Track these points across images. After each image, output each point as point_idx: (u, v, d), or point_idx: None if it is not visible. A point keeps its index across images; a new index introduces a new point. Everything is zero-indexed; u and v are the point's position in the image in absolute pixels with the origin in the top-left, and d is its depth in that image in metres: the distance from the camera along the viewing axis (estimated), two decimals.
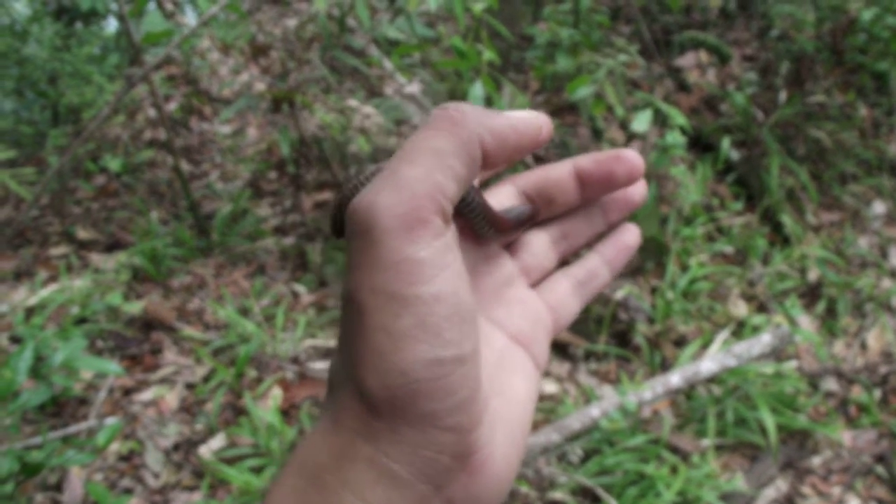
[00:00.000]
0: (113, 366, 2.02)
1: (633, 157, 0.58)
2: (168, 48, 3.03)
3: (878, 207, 4.02)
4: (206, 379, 3.11)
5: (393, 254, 0.44)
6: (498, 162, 0.51)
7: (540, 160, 3.96)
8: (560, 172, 0.60)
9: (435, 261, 0.45)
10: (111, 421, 2.73)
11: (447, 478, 0.46)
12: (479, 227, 0.55)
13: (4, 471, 1.27)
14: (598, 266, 0.62)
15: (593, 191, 0.60)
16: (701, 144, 4.16)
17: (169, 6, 3.58)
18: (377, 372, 0.44)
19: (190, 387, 3.11)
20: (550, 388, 3.08)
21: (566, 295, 0.61)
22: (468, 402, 0.46)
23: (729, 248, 3.69)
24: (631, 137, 3.74)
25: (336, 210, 0.53)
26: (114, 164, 4.18)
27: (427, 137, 0.47)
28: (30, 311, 3.31)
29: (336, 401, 0.48)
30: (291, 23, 3.33)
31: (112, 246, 3.82)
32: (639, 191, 0.61)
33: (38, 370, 1.99)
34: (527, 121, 0.53)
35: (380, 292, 0.44)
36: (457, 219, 0.51)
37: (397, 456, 0.45)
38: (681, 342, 3.28)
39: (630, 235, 0.63)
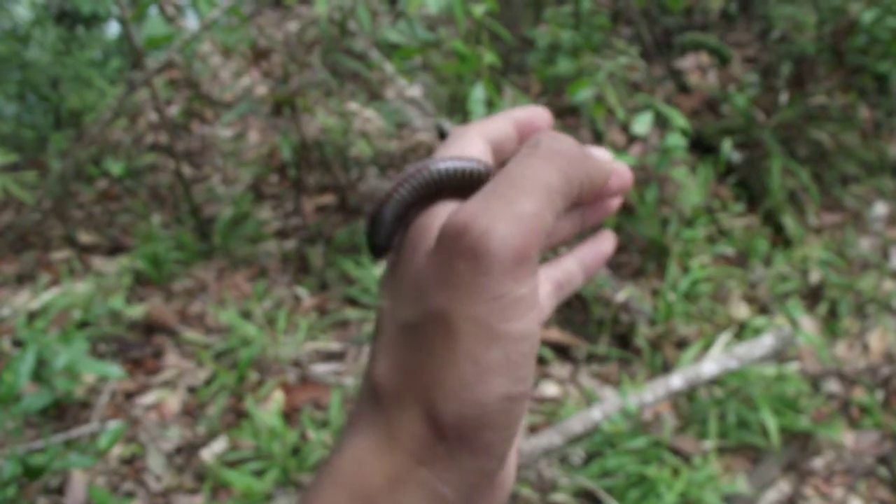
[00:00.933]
0: (114, 369, 2.02)
1: (625, 172, 0.59)
2: (169, 52, 3.04)
3: (880, 208, 4.02)
4: (208, 382, 3.12)
5: (499, 287, 0.43)
6: (577, 202, 0.52)
7: None
8: None
9: (529, 299, 0.45)
10: (113, 424, 2.74)
11: (481, 497, 0.47)
12: None
13: (7, 474, 1.27)
14: (575, 271, 0.62)
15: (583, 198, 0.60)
16: (702, 146, 4.16)
17: (170, 10, 3.59)
18: (457, 400, 0.44)
19: (192, 390, 3.11)
20: (552, 390, 3.08)
21: (546, 296, 0.60)
22: (516, 434, 0.47)
23: (730, 250, 3.69)
24: (632, 139, 3.74)
25: (372, 224, 0.51)
26: (116, 167, 4.19)
27: (540, 169, 0.46)
28: (32, 315, 3.32)
29: (390, 419, 0.46)
30: (293, 26, 3.34)
31: (114, 249, 3.82)
32: (617, 200, 0.62)
33: (40, 374, 1.99)
34: (608, 165, 0.54)
35: (476, 322, 0.44)
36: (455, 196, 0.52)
37: (449, 479, 0.45)
38: (682, 344, 3.28)
39: (607, 243, 0.64)
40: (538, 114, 0.58)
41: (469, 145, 0.54)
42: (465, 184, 0.51)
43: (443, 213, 0.50)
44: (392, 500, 0.45)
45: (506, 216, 0.44)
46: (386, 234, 0.50)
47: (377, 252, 0.51)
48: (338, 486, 0.46)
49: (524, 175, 0.46)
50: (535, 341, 0.45)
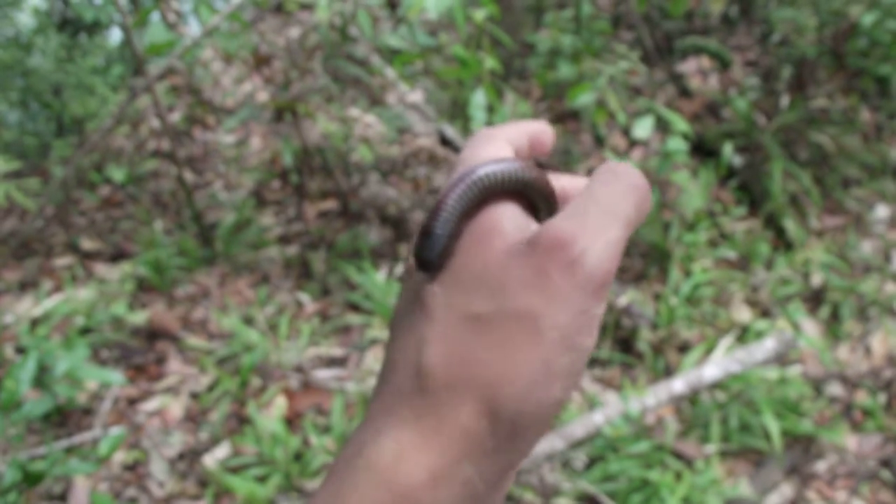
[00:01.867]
0: (115, 375, 2.02)
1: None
2: (170, 58, 3.04)
3: (882, 211, 4.02)
4: (211, 388, 3.12)
5: (586, 303, 0.46)
6: None
7: (542, 167, 3.96)
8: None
9: (600, 318, 0.47)
10: (116, 431, 2.74)
11: (500, 491, 0.48)
12: (545, 210, 0.56)
13: (8, 480, 1.28)
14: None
15: None
16: (703, 150, 4.16)
17: (172, 17, 3.60)
18: (521, 399, 0.45)
19: (194, 396, 3.12)
20: None
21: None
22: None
23: (732, 254, 3.69)
24: (633, 144, 3.75)
25: (424, 239, 0.50)
26: (118, 174, 4.19)
27: (624, 201, 0.49)
28: (35, 322, 3.32)
29: (441, 410, 0.46)
30: (294, 32, 3.35)
31: (116, 256, 3.83)
32: None
33: (42, 380, 2.00)
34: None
35: (560, 330, 0.45)
36: (518, 198, 0.53)
37: (487, 474, 0.46)
38: (684, 348, 3.28)
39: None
40: (545, 130, 0.59)
41: (500, 149, 0.55)
42: (515, 186, 0.52)
43: (502, 213, 0.51)
44: (434, 496, 0.44)
45: (600, 240, 0.46)
46: (439, 249, 0.49)
47: (429, 269, 0.50)
48: (376, 482, 0.45)
49: (612, 203, 0.48)
50: (588, 357, 0.48)
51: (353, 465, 0.46)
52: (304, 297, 3.53)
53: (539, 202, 0.54)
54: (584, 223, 0.47)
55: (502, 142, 0.56)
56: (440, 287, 0.49)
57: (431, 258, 0.49)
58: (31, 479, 1.24)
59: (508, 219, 0.50)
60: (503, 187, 0.51)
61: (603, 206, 0.48)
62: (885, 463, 2.94)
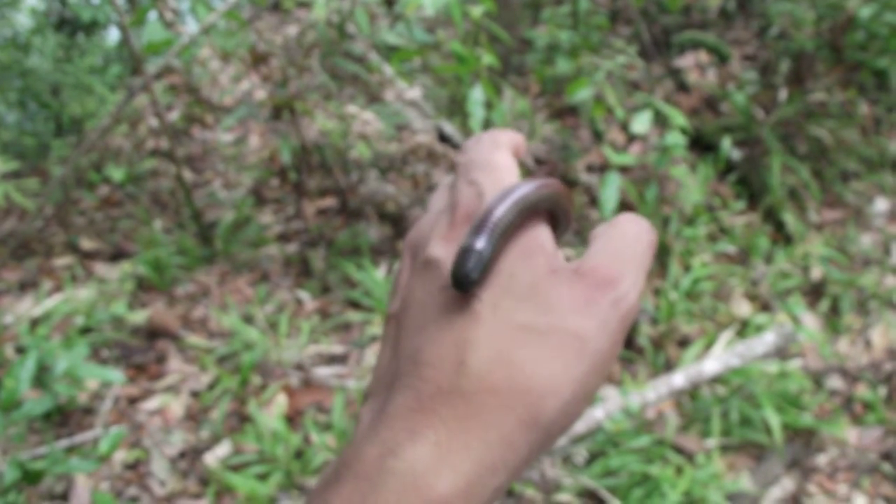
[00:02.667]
0: (114, 374, 2.03)
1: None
2: (167, 57, 3.04)
3: (881, 204, 4.02)
4: (211, 386, 3.12)
5: (622, 335, 0.50)
6: None
7: (541, 163, 3.97)
8: None
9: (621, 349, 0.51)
10: (116, 430, 2.74)
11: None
12: (563, 227, 0.59)
13: (7, 480, 1.28)
14: None
15: None
16: (701, 144, 4.16)
17: (169, 15, 3.59)
18: (562, 412, 0.47)
19: (195, 395, 3.12)
20: None
21: None
22: None
23: (731, 248, 3.69)
24: (631, 138, 3.75)
25: (467, 257, 0.49)
26: (117, 174, 4.19)
27: (648, 256, 0.53)
28: (35, 322, 3.33)
29: (483, 416, 0.46)
30: (291, 30, 3.35)
31: (116, 255, 3.83)
32: None
33: (42, 380, 2.00)
34: None
35: (602, 355, 0.48)
36: (545, 216, 0.55)
37: (513, 481, 0.47)
38: (684, 342, 3.28)
39: None
40: (523, 141, 0.61)
41: (507, 156, 0.58)
42: (551, 207, 0.55)
43: (544, 232, 0.54)
44: (467, 501, 0.44)
45: (637, 285, 0.51)
46: (482, 267, 0.49)
47: (467, 287, 0.49)
48: (411, 487, 0.43)
49: (642, 256, 0.53)
50: None
51: (387, 468, 0.44)
52: (304, 295, 3.53)
53: (561, 219, 0.57)
54: (625, 268, 0.51)
55: (507, 149, 0.58)
56: (486, 290, 0.49)
57: (473, 276, 0.49)
58: (30, 478, 1.24)
59: (548, 238, 0.53)
60: (544, 207, 0.54)
61: (638, 258, 0.52)
62: (886, 456, 2.95)
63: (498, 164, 0.56)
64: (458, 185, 0.56)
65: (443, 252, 0.52)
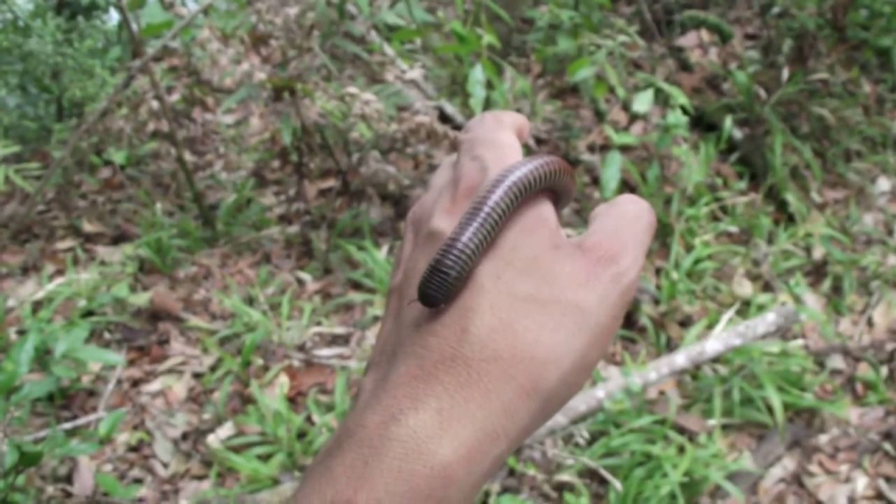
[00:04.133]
0: (114, 356, 2.03)
1: None
2: (165, 38, 3.03)
3: (884, 184, 4.01)
4: (213, 368, 3.13)
5: (623, 309, 0.51)
6: None
7: (542, 143, 3.96)
8: None
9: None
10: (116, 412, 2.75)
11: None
12: (564, 202, 0.59)
13: (8, 462, 1.28)
14: None
15: None
16: (703, 124, 4.15)
17: None
18: (563, 381, 0.48)
19: (197, 376, 3.13)
20: None
21: None
22: None
23: (733, 228, 3.68)
24: (633, 118, 3.74)
25: (431, 279, 0.48)
26: (118, 156, 4.18)
27: (648, 236, 0.54)
28: (37, 305, 3.33)
29: (484, 383, 0.46)
30: (292, 11, 3.33)
31: (118, 238, 3.83)
32: None
33: (44, 363, 2.00)
34: None
35: (603, 328, 0.49)
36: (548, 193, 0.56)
37: (515, 445, 0.47)
38: (686, 322, 3.28)
39: None
40: (524, 123, 0.62)
41: (510, 136, 0.59)
42: (555, 184, 0.56)
43: (547, 207, 0.55)
44: (468, 472, 0.44)
45: (637, 263, 0.52)
46: (447, 291, 0.48)
47: (432, 305, 0.49)
48: (414, 454, 0.43)
49: (643, 235, 0.54)
50: None
51: (389, 434, 0.44)
52: (306, 276, 3.53)
53: (563, 196, 0.58)
54: (626, 245, 0.52)
55: (510, 128, 0.59)
56: (489, 262, 0.50)
57: (438, 298, 0.48)
58: (27, 460, 1.24)
59: (551, 214, 0.55)
60: (546, 184, 0.54)
61: (638, 236, 0.53)
62: (888, 435, 2.95)
63: (502, 141, 0.57)
64: (462, 161, 0.57)
65: (445, 225, 0.52)
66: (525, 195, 0.52)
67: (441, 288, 0.48)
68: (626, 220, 0.54)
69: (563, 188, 0.57)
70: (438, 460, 0.43)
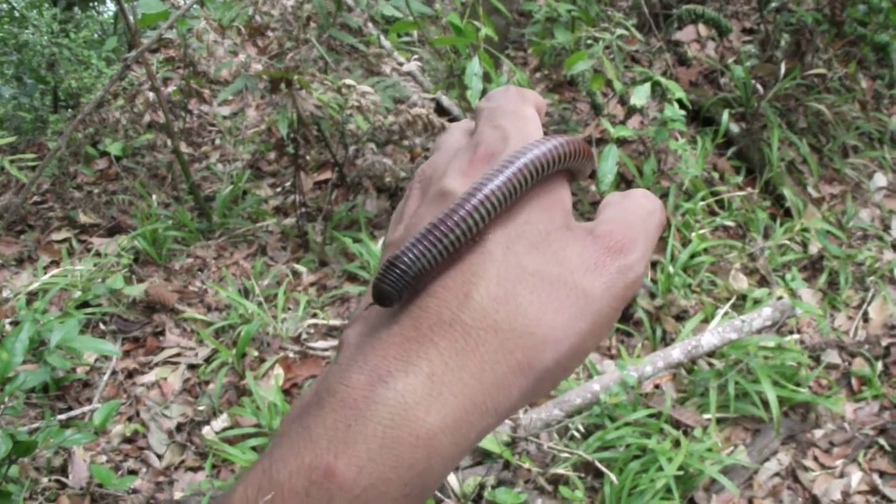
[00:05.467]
0: (108, 345, 2.02)
1: None
2: (161, 29, 3.02)
3: (880, 179, 4.01)
4: (208, 360, 3.12)
5: (629, 296, 0.51)
6: None
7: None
8: None
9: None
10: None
11: None
12: (581, 177, 0.58)
13: (3, 452, 1.27)
14: None
15: None
16: (701, 118, 4.14)
17: None
18: (558, 365, 0.47)
19: (192, 368, 3.12)
20: None
21: None
22: None
23: (730, 222, 3.68)
24: (630, 112, 3.73)
25: (385, 275, 0.46)
26: (114, 148, 4.18)
27: (657, 232, 0.54)
28: (32, 296, 3.32)
29: (482, 360, 0.44)
30: (288, 3, 3.32)
31: (113, 230, 3.82)
32: None
33: (39, 354, 2.00)
34: None
35: (607, 313, 0.49)
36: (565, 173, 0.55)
37: (505, 415, 0.47)
38: (682, 316, 3.28)
39: None
40: (542, 103, 0.61)
41: (533, 114, 0.58)
42: (571, 163, 0.54)
43: (565, 188, 0.54)
44: (452, 441, 0.43)
45: (645, 258, 0.51)
46: (401, 288, 0.46)
47: (384, 303, 0.47)
48: (399, 419, 0.42)
49: (653, 232, 0.53)
50: None
51: (376, 397, 0.42)
52: (301, 269, 3.52)
53: (578, 176, 0.57)
54: (637, 239, 0.51)
55: (532, 104, 0.58)
56: (501, 230, 0.49)
57: (390, 296, 0.46)
58: (21, 449, 1.24)
59: (567, 196, 0.54)
60: (565, 164, 0.53)
61: (649, 232, 0.53)
62: (883, 430, 2.95)
63: (525, 114, 0.56)
64: (482, 128, 0.55)
65: (459, 185, 0.51)
66: (545, 172, 0.51)
67: (385, 289, 0.46)
68: (639, 214, 0.53)
69: (579, 170, 0.56)
70: (425, 428, 0.42)
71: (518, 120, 0.55)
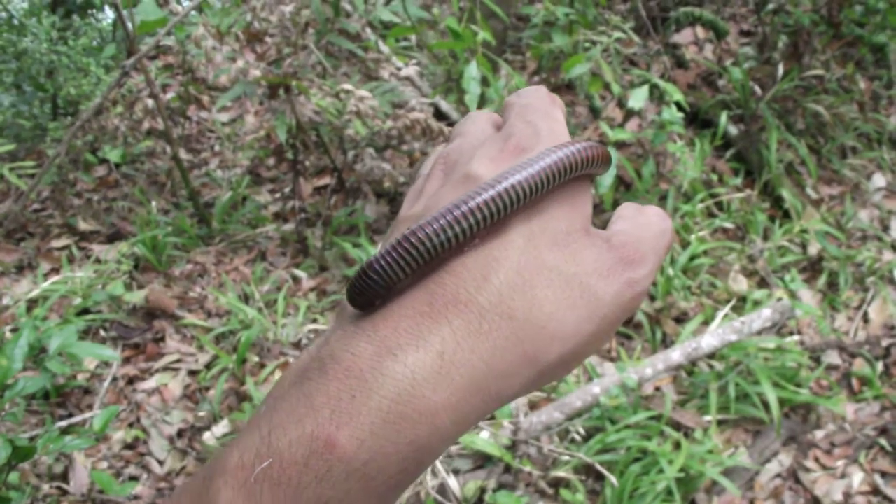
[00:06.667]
0: (109, 351, 2.02)
1: None
2: (159, 35, 3.03)
3: (879, 180, 4.01)
4: (209, 366, 3.12)
5: (639, 303, 0.52)
6: None
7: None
8: None
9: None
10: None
11: None
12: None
13: (3, 458, 1.28)
14: None
15: None
16: (699, 120, 4.15)
17: None
18: (561, 363, 0.47)
19: (193, 374, 3.12)
20: None
21: None
22: None
23: (729, 224, 3.68)
24: (628, 114, 3.73)
25: (363, 280, 0.46)
26: (113, 155, 4.18)
27: (665, 251, 0.54)
28: (32, 304, 3.32)
29: (493, 347, 0.44)
30: (287, 9, 3.33)
31: (113, 236, 3.83)
32: None
33: (39, 361, 2.00)
34: None
35: (608, 328, 0.50)
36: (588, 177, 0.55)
37: (509, 400, 0.47)
38: (682, 319, 3.28)
39: None
40: (564, 109, 0.62)
41: (563, 121, 0.58)
42: (593, 169, 0.54)
43: (589, 190, 0.55)
44: (453, 420, 0.43)
45: (651, 276, 0.52)
46: (372, 296, 0.46)
47: (358, 307, 0.47)
48: (404, 396, 0.42)
49: (662, 250, 0.54)
50: None
51: (384, 370, 0.42)
52: (301, 274, 3.53)
53: (594, 177, 0.57)
54: (647, 256, 0.52)
55: (560, 108, 0.58)
56: (524, 221, 0.49)
57: (362, 303, 0.46)
58: (20, 455, 1.24)
59: (589, 200, 0.54)
60: (588, 169, 0.53)
61: (658, 252, 0.53)
62: (883, 431, 2.95)
63: (556, 115, 0.56)
64: (514, 122, 0.55)
65: (486, 171, 0.50)
66: (574, 173, 0.51)
67: (356, 295, 0.46)
68: (652, 232, 0.54)
69: (597, 175, 0.56)
70: (429, 406, 0.42)
71: (549, 120, 0.55)
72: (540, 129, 0.54)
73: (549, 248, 0.48)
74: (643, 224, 0.54)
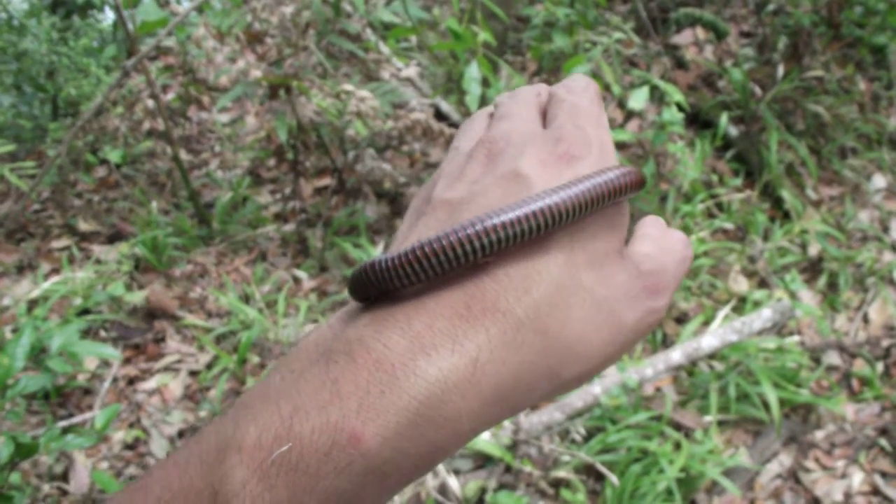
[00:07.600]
0: (109, 350, 2.02)
1: None
2: (159, 36, 3.03)
3: (879, 181, 4.01)
4: (210, 366, 3.12)
5: (654, 325, 0.53)
6: None
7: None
8: None
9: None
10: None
11: None
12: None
13: (4, 456, 1.28)
14: None
15: None
16: (699, 121, 4.15)
17: None
18: (577, 380, 0.48)
19: (193, 374, 3.12)
20: None
21: None
22: None
23: (729, 225, 3.68)
24: (629, 115, 3.74)
25: (363, 276, 0.45)
26: (113, 155, 4.18)
27: (681, 279, 0.55)
28: (32, 304, 3.32)
29: (520, 358, 0.44)
30: (287, 9, 3.33)
31: (113, 237, 3.82)
32: None
33: (40, 361, 2.00)
34: None
35: (622, 349, 0.50)
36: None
37: (507, 419, 0.49)
38: (682, 319, 3.28)
39: None
40: None
41: (609, 128, 0.57)
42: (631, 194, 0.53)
43: (627, 213, 0.53)
44: (473, 429, 0.43)
45: (667, 306, 0.52)
46: (377, 291, 0.45)
47: (359, 300, 0.46)
48: (433, 403, 0.41)
49: (679, 278, 0.54)
50: None
51: (417, 370, 0.41)
52: (302, 274, 3.53)
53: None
54: (668, 286, 0.52)
55: (604, 110, 0.57)
56: (567, 236, 0.48)
57: (362, 297, 0.46)
58: (23, 452, 1.24)
59: (627, 221, 0.53)
60: (625, 195, 0.51)
61: (677, 280, 0.54)
62: (884, 431, 2.95)
63: (604, 122, 0.55)
64: (563, 122, 0.52)
65: (535, 174, 0.48)
66: (618, 197, 0.49)
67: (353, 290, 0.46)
68: (675, 260, 0.54)
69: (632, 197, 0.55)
70: (455, 412, 0.41)
71: (600, 129, 0.54)
72: (591, 138, 0.52)
73: (587, 267, 0.48)
74: (668, 250, 0.54)
